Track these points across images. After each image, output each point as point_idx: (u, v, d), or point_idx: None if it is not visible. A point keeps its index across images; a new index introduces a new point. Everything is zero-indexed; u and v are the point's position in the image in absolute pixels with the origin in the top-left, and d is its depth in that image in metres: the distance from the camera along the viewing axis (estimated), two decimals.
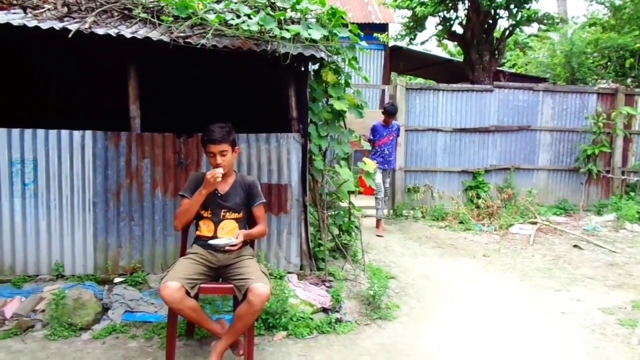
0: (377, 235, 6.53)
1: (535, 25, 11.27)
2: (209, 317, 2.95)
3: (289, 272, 4.19)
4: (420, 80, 16.54)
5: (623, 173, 8.70)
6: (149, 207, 4.09)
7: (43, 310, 3.45)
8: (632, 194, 8.52)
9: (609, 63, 11.34)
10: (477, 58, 9.93)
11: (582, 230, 7.16)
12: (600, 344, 3.46)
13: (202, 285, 2.84)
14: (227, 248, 2.84)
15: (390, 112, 6.58)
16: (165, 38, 3.67)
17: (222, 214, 2.99)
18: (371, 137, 6.68)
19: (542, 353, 3.29)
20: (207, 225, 3.00)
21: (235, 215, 3.02)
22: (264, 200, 3.16)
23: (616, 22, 11.57)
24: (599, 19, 12.44)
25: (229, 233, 2.97)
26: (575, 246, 6.29)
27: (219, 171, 2.84)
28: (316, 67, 4.39)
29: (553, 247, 6.27)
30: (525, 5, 9.43)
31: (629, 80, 10.79)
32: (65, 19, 3.78)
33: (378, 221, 6.79)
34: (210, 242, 2.89)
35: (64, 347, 3.14)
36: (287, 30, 3.80)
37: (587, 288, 4.70)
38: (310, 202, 4.48)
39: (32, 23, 3.53)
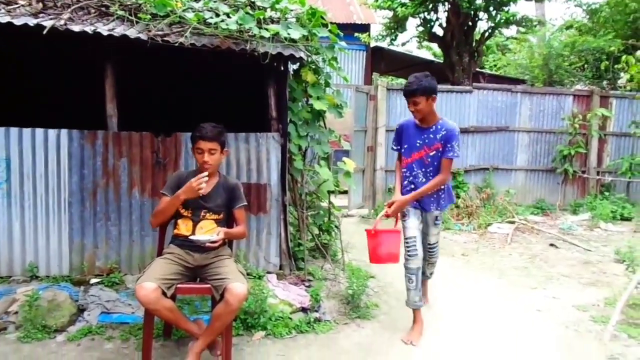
0: (408, 343, 3.43)
1: (514, 28, 11.45)
2: (186, 317, 2.93)
3: (268, 272, 4.18)
4: (401, 80, 16.66)
5: (598, 173, 8.88)
6: (126, 207, 4.04)
7: (16, 312, 3.38)
8: (606, 193, 8.72)
9: (585, 65, 11.57)
10: (457, 59, 10.03)
11: (559, 229, 7.29)
12: (574, 341, 3.53)
13: (179, 286, 2.82)
14: (208, 245, 2.83)
15: (411, 91, 3.33)
16: (143, 36, 3.63)
17: (202, 214, 2.97)
18: (394, 146, 3.71)
19: (517, 349, 3.34)
20: (186, 224, 2.98)
21: (215, 216, 3.00)
22: (246, 203, 3.14)
23: (593, 25, 11.81)
24: (575, 22, 12.67)
25: (207, 233, 2.95)
26: (551, 245, 6.40)
27: (204, 179, 2.80)
28: (296, 66, 4.39)
29: (530, 246, 6.37)
30: (504, 7, 9.56)
31: (604, 82, 11.02)
32: (40, 15, 3.71)
33: (416, 314, 3.57)
34: (191, 237, 2.87)
35: (38, 350, 3.08)
36: (267, 29, 3.79)
37: (562, 286, 4.79)
38: (290, 201, 4.48)
39: (5, 19, 3.45)
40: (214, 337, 2.81)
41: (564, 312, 4.06)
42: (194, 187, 2.77)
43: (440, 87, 8.56)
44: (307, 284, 4.14)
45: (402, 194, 3.55)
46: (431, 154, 3.44)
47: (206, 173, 2.83)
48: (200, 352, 2.75)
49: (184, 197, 2.84)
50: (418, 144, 3.49)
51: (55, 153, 3.92)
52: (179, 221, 3.01)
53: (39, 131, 3.88)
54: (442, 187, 3.53)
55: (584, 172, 8.82)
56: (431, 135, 3.44)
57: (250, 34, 3.79)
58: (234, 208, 3.06)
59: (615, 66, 10.02)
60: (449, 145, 3.37)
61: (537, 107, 8.85)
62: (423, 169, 3.49)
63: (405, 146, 3.58)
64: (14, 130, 3.84)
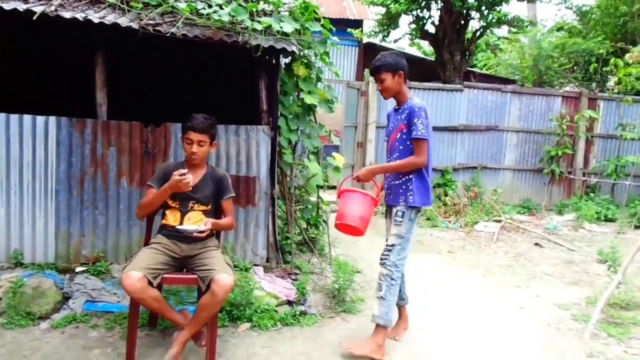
0: (392, 338, 3.40)
1: (505, 28, 11.52)
2: (171, 307, 2.94)
3: (255, 265, 4.19)
4: None
5: (584, 174, 9.00)
6: (114, 196, 4.02)
7: (0, 299, 3.36)
8: (591, 194, 8.84)
9: (575, 67, 11.68)
10: (449, 58, 10.08)
11: (544, 229, 7.39)
12: (555, 338, 3.59)
13: (165, 276, 2.81)
14: (195, 235, 2.83)
15: (376, 67, 3.24)
16: (134, 25, 3.60)
17: (190, 205, 2.98)
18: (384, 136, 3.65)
19: (499, 346, 3.39)
20: (174, 215, 2.98)
21: (204, 207, 3.01)
22: (234, 194, 3.15)
23: (583, 28, 11.92)
24: (566, 24, 12.78)
25: (195, 224, 2.95)
26: (536, 244, 6.48)
27: (189, 177, 2.77)
28: (287, 60, 4.38)
29: (515, 245, 6.45)
30: (496, 7, 9.63)
31: (593, 84, 11.14)
32: (31, 0, 3.67)
33: (402, 310, 3.53)
34: (178, 227, 2.87)
35: (21, 337, 3.07)
36: (259, 22, 3.78)
37: (545, 284, 4.86)
38: (279, 195, 4.49)
39: None
40: (199, 328, 2.81)
41: (547, 310, 4.13)
42: (179, 183, 2.73)
43: (430, 85, 8.71)
44: (293, 277, 4.16)
45: (385, 183, 3.34)
46: (397, 136, 3.19)
47: (185, 170, 2.79)
48: (185, 342, 2.76)
49: (170, 191, 2.83)
50: (391, 128, 3.30)
51: (44, 140, 3.88)
52: (167, 212, 3.01)
53: (27, 118, 3.84)
54: (411, 176, 3.12)
55: (570, 173, 8.93)
56: (399, 117, 3.20)
57: (242, 26, 3.79)
58: (221, 199, 3.06)
59: (604, 68, 10.12)
60: (412, 125, 3.04)
61: (527, 108, 8.93)
62: (391, 155, 3.26)
63: (386, 132, 3.43)
64: (1, 116, 3.80)
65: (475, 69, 15.04)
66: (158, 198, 2.90)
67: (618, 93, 8.63)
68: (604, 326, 3.76)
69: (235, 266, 3.99)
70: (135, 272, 2.61)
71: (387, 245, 3.18)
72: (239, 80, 5.40)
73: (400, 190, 3.16)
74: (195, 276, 2.83)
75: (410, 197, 3.12)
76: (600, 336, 3.63)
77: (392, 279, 3.13)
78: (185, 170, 2.78)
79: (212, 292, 2.66)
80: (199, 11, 3.75)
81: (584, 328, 3.72)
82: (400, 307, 3.47)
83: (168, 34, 3.60)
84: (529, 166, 9.03)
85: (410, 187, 3.12)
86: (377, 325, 3.14)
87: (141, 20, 3.66)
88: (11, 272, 3.72)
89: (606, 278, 5.00)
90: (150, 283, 2.67)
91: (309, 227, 4.89)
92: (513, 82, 12.20)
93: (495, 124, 8.81)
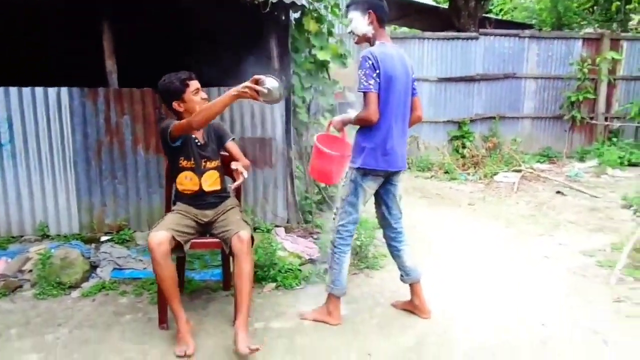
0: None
1: None
2: (180, 298, 2.72)
3: (276, 226, 4.21)
4: (405, 29, 16.20)
5: (606, 119, 8.76)
6: (131, 165, 4.03)
7: (30, 271, 3.44)
8: (614, 139, 8.62)
9: (595, 7, 11.19)
10: (463, 4, 9.69)
11: (565, 176, 7.26)
12: (581, 285, 3.56)
13: (193, 241, 2.82)
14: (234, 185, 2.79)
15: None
16: None
17: (203, 163, 2.92)
18: None
19: (525, 295, 3.38)
20: (191, 178, 2.92)
21: (214, 163, 2.97)
22: (234, 136, 3.15)
23: None
24: None
25: (213, 185, 2.93)
26: (558, 192, 6.38)
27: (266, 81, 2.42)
28: (297, 15, 4.25)
29: (536, 194, 6.36)
30: None
31: (615, 24, 10.68)
32: None
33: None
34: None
35: (54, 306, 3.15)
36: None
37: (569, 232, 4.81)
38: (296, 155, 4.45)
39: None
40: (248, 301, 2.66)
41: (571, 258, 4.09)
42: (250, 91, 2.41)
43: (445, 34, 8.45)
44: (315, 236, 4.17)
45: None
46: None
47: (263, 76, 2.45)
48: (247, 324, 2.64)
49: (235, 98, 2.49)
50: None
51: (57, 112, 3.88)
52: (182, 177, 2.92)
53: (39, 90, 3.83)
54: (358, 134, 2.81)
55: (592, 118, 8.69)
56: None
57: None
58: (225, 143, 3.04)
59: (627, 7, 9.68)
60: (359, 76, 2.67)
61: (545, 53, 8.63)
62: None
63: None
64: (13, 90, 3.78)
65: (491, 15, 14.50)
66: (220, 103, 2.53)
67: None
68: (631, 271, 3.72)
69: (256, 228, 4.02)
70: (162, 232, 2.62)
71: (334, 208, 2.96)
72: (248, 39, 5.28)
73: (353, 148, 2.86)
74: (218, 240, 2.84)
75: (354, 157, 2.82)
76: (627, 281, 3.59)
77: (334, 245, 2.89)
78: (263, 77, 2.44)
79: (236, 254, 2.66)
80: None
81: (610, 274, 3.68)
82: (411, 285, 3.07)
83: None
84: (548, 113, 8.80)
85: (356, 146, 2.82)
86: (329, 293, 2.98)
87: None
88: (39, 245, 3.80)
89: (632, 223, 4.93)
90: (180, 246, 2.69)
91: (327, 187, 4.87)
92: (530, 26, 11.74)
93: (512, 72, 8.55)
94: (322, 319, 2.98)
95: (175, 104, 2.83)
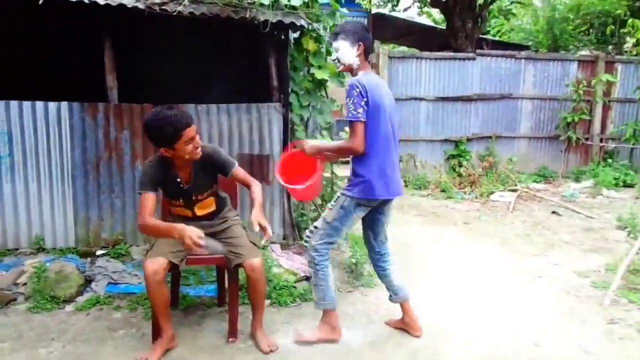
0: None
1: None
2: (170, 316, 2.81)
3: (272, 242, 4.22)
4: (404, 48, 16.40)
5: (601, 140, 8.84)
6: (129, 180, 4.05)
7: (25, 284, 3.44)
8: (609, 160, 8.69)
9: (590, 29, 11.36)
10: (460, 25, 9.86)
11: (561, 196, 7.30)
12: (575, 306, 3.57)
13: (189, 257, 2.79)
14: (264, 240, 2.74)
15: (333, 34, 2.93)
16: (141, 5, 3.56)
17: (193, 198, 2.84)
18: None
19: (519, 315, 3.39)
20: (183, 209, 2.88)
21: (207, 192, 2.88)
22: (236, 162, 2.89)
23: None
24: None
25: (207, 208, 2.90)
26: (553, 212, 6.42)
27: (202, 241, 2.47)
28: (296, 35, 4.32)
29: (532, 214, 6.40)
30: None
31: (610, 47, 10.84)
32: None
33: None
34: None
35: (48, 320, 3.14)
36: None
37: (564, 253, 4.82)
38: None
39: None
40: (261, 312, 2.92)
41: (566, 278, 4.10)
42: (191, 244, 2.44)
43: (442, 54, 8.55)
44: None
45: None
46: None
47: (203, 241, 2.48)
48: (261, 328, 2.92)
49: (177, 237, 2.49)
50: None
51: (57, 126, 3.91)
52: (174, 209, 2.91)
53: (39, 104, 3.86)
54: (352, 164, 2.78)
55: (587, 139, 8.77)
56: None
57: (249, 1, 3.73)
58: (229, 175, 2.84)
59: (621, 30, 9.83)
60: (346, 106, 2.66)
61: (541, 74, 8.74)
62: None
63: None
64: (13, 104, 3.82)
65: (488, 36, 14.71)
66: (164, 233, 2.58)
67: (636, 55, 8.39)
68: (625, 292, 3.73)
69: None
70: (159, 260, 2.60)
71: (312, 225, 2.92)
72: (247, 59, 5.35)
73: (350, 177, 2.84)
74: (217, 256, 2.83)
75: (350, 185, 2.79)
76: (621, 302, 3.60)
77: (315, 264, 2.85)
78: (203, 242, 2.48)
79: (250, 279, 2.77)
80: None
81: (604, 295, 3.69)
82: (401, 304, 3.06)
83: (174, 13, 3.56)
84: (544, 134, 8.88)
85: (353, 175, 2.79)
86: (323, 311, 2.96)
87: (147, 0, 3.62)
88: (34, 258, 3.80)
89: (626, 244, 4.95)
90: (175, 267, 2.69)
91: (323, 203, 4.89)
92: (527, 48, 11.91)
93: (509, 92, 8.65)
94: (327, 337, 2.93)
95: (162, 149, 2.63)
